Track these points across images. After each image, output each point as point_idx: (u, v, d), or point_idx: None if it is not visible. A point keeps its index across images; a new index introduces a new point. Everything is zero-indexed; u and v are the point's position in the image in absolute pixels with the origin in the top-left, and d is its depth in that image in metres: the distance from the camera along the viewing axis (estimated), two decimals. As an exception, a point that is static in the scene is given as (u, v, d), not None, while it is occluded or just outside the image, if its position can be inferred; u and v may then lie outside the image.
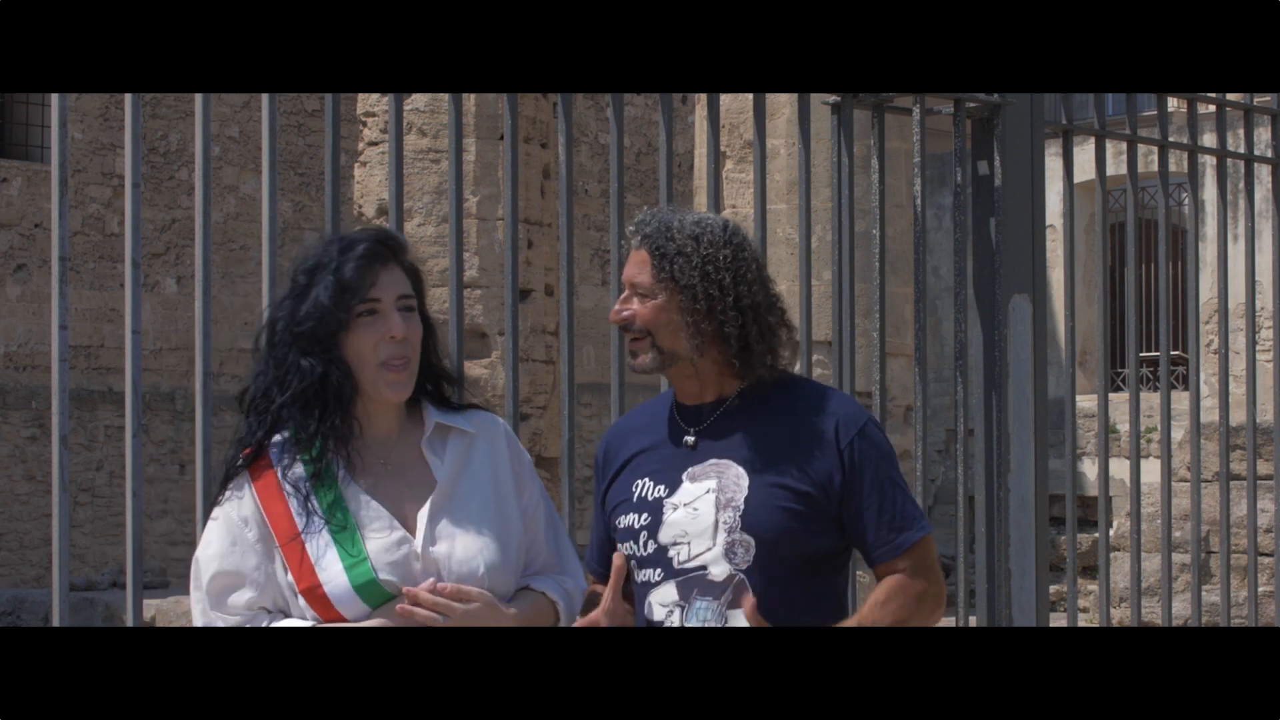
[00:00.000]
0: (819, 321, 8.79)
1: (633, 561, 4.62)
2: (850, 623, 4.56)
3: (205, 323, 4.93)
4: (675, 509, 4.57)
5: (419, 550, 4.33)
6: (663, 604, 4.57)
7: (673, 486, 4.61)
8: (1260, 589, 7.88)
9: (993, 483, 6.18)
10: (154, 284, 28.87)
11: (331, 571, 4.27)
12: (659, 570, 4.58)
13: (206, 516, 4.65)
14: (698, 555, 4.54)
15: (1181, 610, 15.73)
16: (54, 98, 4.69)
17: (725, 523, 4.53)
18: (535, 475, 4.64)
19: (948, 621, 8.63)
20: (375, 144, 18.89)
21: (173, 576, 20.68)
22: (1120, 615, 14.13)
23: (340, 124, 5.15)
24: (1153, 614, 14.80)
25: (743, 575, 4.52)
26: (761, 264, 4.77)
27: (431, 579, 4.24)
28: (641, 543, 4.59)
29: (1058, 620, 15.30)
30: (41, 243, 27.64)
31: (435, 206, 18.19)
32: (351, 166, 19.96)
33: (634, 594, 4.64)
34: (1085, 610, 18.14)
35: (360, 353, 4.32)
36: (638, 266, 4.64)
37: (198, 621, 4.35)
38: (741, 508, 4.53)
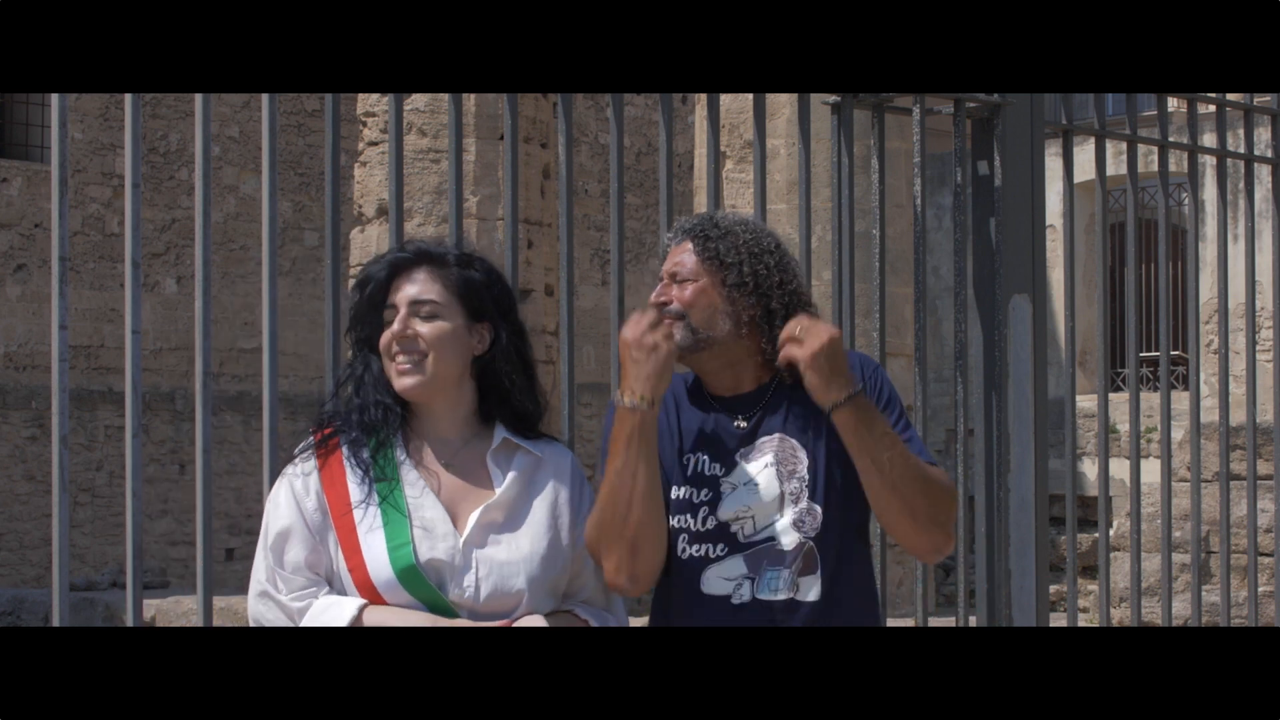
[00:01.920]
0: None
1: (683, 535, 4.63)
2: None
3: (205, 323, 4.92)
4: (734, 488, 4.61)
5: (461, 547, 4.41)
6: (728, 578, 4.59)
7: (728, 467, 4.64)
8: (1260, 589, 7.87)
9: (993, 483, 6.18)
10: (154, 284, 28.91)
11: (375, 551, 4.36)
12: (721, 545, 4.60)
13: (206, 517, 4.78)
14: (765, 528, 4.58)
15: (1181, 610, 15.73)
16: (54, 98, 4.67)
17: (791, 493, 4.60)
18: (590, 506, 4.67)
19: (947, 622, 8.59)
20: (375, 144, 18.92)
21: (173, 576, 20.71)
22: (1120, 615, 14.14)
23: (340, 124, 5.14)
24: (1153, 614, 14.80)
25: (812, 543, 4.59)
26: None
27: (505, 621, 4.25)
28: (700, 518, 4.61)
29: (1058, 620, 15.32)
30: (41, 243, 27.76)
31: (435, 206, 18.24)
32: (351, 166, 19.94)
33: (676, 567, 4.63)
34: (1085, 610, 18.14)
35: (382, 350, 4.50)
36: (679, 255, 4.71)
37: (258, 576, 4.43)
38: (806, 478, 4.60)
